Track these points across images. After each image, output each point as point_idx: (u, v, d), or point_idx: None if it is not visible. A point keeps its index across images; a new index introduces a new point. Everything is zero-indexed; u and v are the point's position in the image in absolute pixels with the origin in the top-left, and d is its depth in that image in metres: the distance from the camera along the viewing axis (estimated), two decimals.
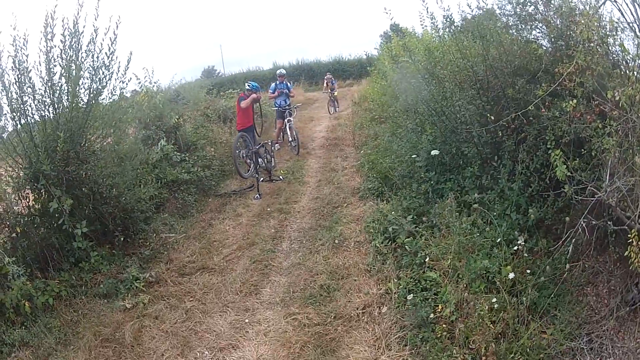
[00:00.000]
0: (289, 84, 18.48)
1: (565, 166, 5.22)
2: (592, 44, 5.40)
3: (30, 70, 7.81)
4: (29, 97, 7.93)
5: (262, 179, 13.16)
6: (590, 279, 5.36)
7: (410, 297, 6.03)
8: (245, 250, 8.95)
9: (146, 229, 9.73)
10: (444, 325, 5.36)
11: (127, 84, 9.27)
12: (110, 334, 6.57)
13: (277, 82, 17.83)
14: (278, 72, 18.36)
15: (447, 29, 8.40)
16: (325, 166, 14.75)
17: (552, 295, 5.26)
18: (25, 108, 7.92)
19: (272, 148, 14.82)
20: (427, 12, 8.13)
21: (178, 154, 13.02)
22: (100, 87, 8.61)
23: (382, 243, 7.69)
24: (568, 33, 5.99)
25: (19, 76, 7.69)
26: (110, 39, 8.45)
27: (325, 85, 28.28)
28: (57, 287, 7.34)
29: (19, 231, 7.71)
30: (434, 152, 8.24)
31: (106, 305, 7.30)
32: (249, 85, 14.73)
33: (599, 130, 5.12)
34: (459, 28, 8.03)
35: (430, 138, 8.82)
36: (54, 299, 7.19)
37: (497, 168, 7.03)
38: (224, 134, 17.31)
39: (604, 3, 5.76)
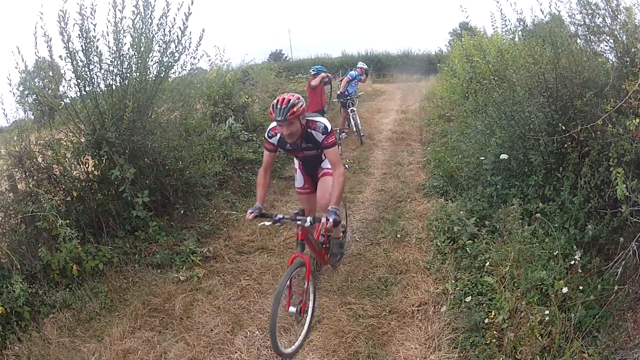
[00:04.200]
0: (362, 77, 18.55)
1: (624, 185, 5.33)
2: None
3: (98, 39, 8.11)
4: (95, 66, 8.24)
5: None
6: (632, 305, 5.42)
7: (468, 299, 6.19)
8: None
9: (207, 204, 10.19)
10: (494, 332, 5.49)
11: (198, 60, 9.58)
12: (159, 304, 6.93)
13: (358, 73, 17.98)
14: (360, 63, 18.57)
15: (518, 32, 8.50)
16: (391, 159, 15.00)
17: (597, 316, 5.36)
18: (92, 76, 8.22)
19: (340, 136, 15.21)
20: (501, 13, 8.21)
21: (245, 133, 13.47)
22: (172, 61, 8.94)
23: (443, 242, 7.89)
24: (633, 50, 6.04)
25: (86, 44, 7.99)
26: (185, 14, 8.76)
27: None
28: (109, 253, 7.74)
29: (74, 195, 8.03)
30: (503, 156, 8.30)
31: (159, 276, 7.70)
32: (313, 70, 15.13)
33: None
34: (531, 33, 8.15)
35: (499, 142, 8.90)
36: (105, 265, 7.58)
37: (561, 179, 7.09)
38: None
39: None
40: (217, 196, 10.79)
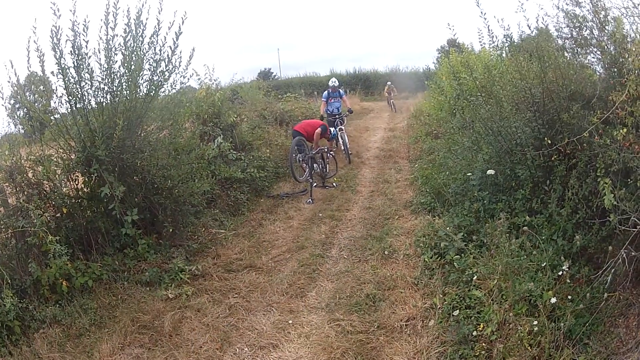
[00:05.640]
0: (340, 90, 18.89)
1: (612, 195, 5.30)
2: None
3: (90, 56, 8.14)
4: (86, 83, 8.25)
5: (315, 184, 13.64)
6: (623, 311, 5.38)
7: (456, 312, 6.17)
8: (294, 253, 9.26)
9: (196, 223, 10.19)
10: (483, 344, 5.46)
11: (188, 79, 9.65)
12: (148, 322, 6.87)
13: (330, 91, 18.34)
14: (331, 83, 18.89)
15: (506, 48, 8.55)
16: (379, 177, 15.10)
17: (587, 324, 5.31)
18: (82, 93, 8.23)
19: (328, 155, 15.24)
20: (489, 30, 8.20)
21: (234, 152, 13.54)
22: (162, 79, 8.95)
23: (431, 258, 7.89)
24: (621, 60, 6.05)
25: (77, 61, 8.00)
26: (176, 33, 8.80)
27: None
28: (98, 270, 7.70)
29: (64, 211, 8.00)
30: (490, 172, 8.32)
31: (148, 293, 7.64)
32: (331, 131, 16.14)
33: None
34: (518, 48, 8.18)
35: (486, 157, 8.93)
36: (94, 282, 7.52)
37: (548, 192, 7.09)
38: (280, 137, 17.76)
39: None
40: (205, 215, 10.85)
